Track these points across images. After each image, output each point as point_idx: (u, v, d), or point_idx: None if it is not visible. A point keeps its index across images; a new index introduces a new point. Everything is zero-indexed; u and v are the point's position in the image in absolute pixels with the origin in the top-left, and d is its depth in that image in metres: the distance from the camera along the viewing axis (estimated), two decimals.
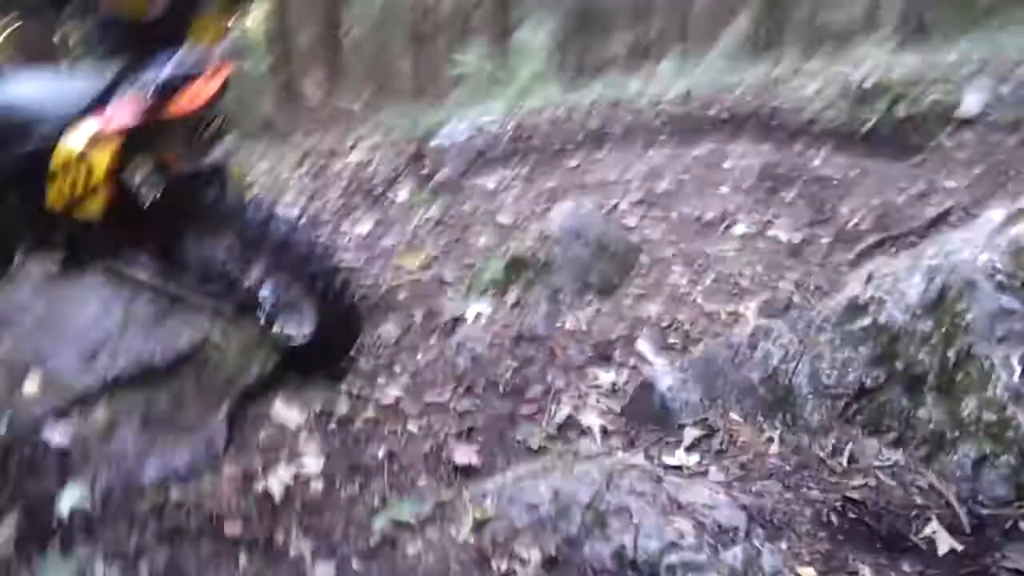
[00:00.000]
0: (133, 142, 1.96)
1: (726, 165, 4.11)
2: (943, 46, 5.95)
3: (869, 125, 4.42)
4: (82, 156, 1.94)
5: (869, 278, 2.28)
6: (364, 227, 4.01)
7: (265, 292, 2.22)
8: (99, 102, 1.99)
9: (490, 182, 4.34)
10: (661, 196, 3.71)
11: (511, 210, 3.83)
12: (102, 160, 1.94)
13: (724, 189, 3.73)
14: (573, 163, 4.51)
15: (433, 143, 5.29)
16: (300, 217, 3.39)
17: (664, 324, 2.56)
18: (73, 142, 1.95)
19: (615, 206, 3.61)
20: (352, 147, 5.53)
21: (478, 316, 2.61)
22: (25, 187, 2.01)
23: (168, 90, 1.93)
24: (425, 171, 4.74)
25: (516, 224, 3.61)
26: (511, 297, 2.66)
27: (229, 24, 2.47)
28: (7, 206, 2.08)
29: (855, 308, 2.00)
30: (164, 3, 2.29)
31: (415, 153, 5.05)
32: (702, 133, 4.86)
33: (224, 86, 2.02)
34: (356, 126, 8.21)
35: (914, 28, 8.46)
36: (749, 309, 2.65)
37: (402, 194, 4.43)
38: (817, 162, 4.01)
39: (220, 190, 2.14)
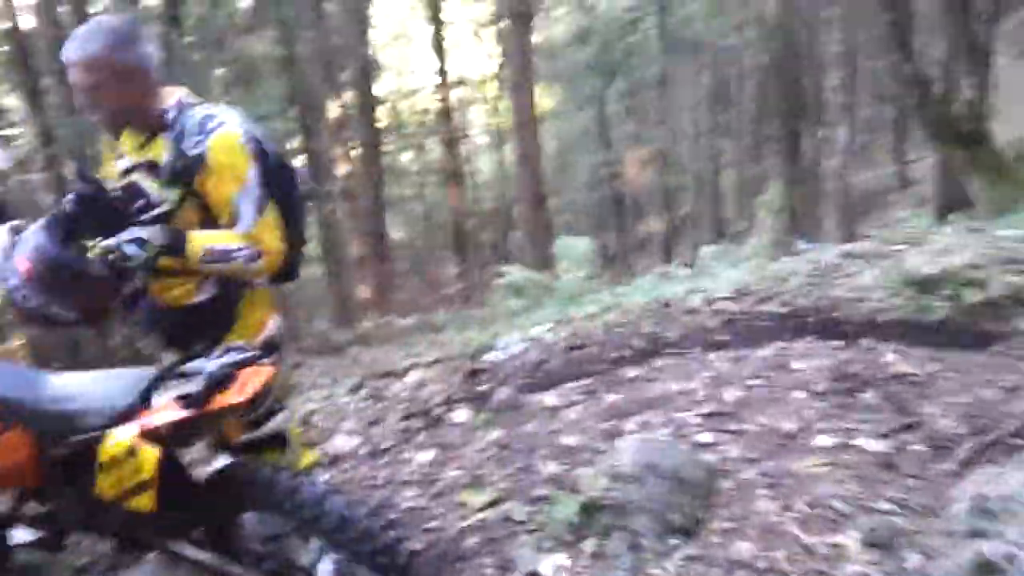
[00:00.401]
0: (182, 434, 1.97)
1: (795, 367, 3.95)
2: (993, 224, 5.89)
3: (938, 314, 4.28)
4: (130, 451, 1.91)
5: (983, 507, 2.07)
6: (425, 455, 3.88)
7: (324, 572, 2.09)
8: (147, 395, 2.01)
9: (550, 398, 4.22)
10: (732, 407, 3.54)
11: (576, 430, 3.68)
12: (151, 456, 1.91)
13: (797, 395, 3.56)
14: (633, 373, 4.39)
15: (487, 357, 5.25)
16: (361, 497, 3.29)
17: (761, 566, 2.32)
18: (121, 436, 1.93)
19: (685, 423, 3.44)
20: (407, 367, 5.50)
21: (556, 569, 2.41)
22: (75, 477, 1.98)
23: (215, 383, 1.94)
24: (482, 388, 4.66)
25: (583, 447, 3.45)
26: (588, 546, 2.46)
27: (272, 315, 2.55)
28: (58, 494, 2.04)
29: (983, 568, 1.77)
30: (211, 290, 2.35)
31: (470, 370, 4.99)
32: (762, 332, 4.75)
33: (273, 378, 2.03)
34: (409, 340, 8.34)
35: (959, 206, 8.48)
36: (852, 539, 2.41)
37: (461, 416, 4.32)
38: (890, 357, 3.84)
39: (275, 465, 2.12)
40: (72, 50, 2.19)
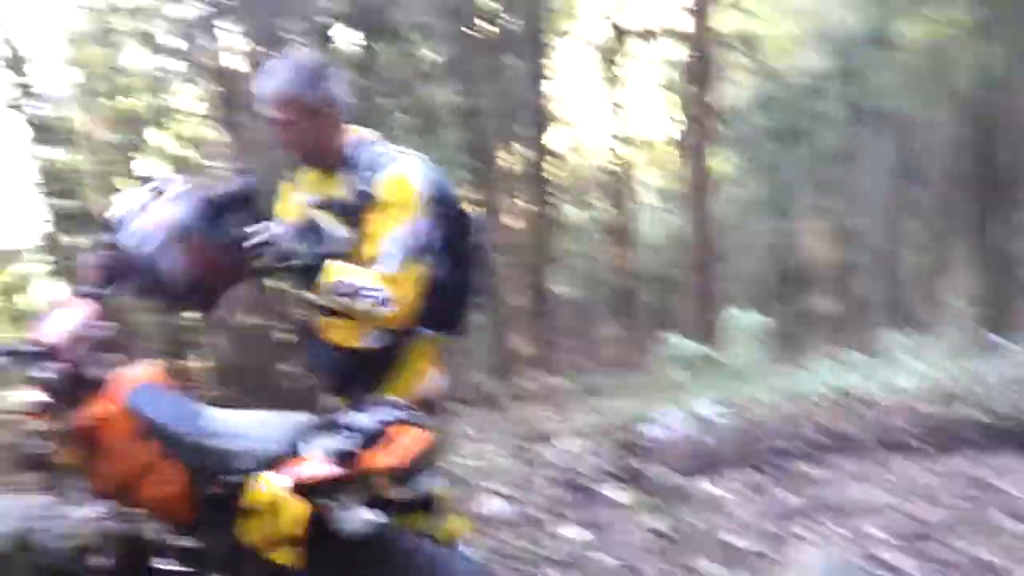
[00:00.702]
0: (330, 490, 1.88)
1: (1000, 486, 3.49)
2: None
3: None
4: (277, 502, 1.84)
5: None
6: (573, 532, 3.68)
7: None
8: (298, 444, 1.95)
9: (713, 487, 3.93)
10: (927, 527, 3.14)
11: (742, 528, 3.38)
12: (299, 511, 1.84)
13: (1007, 523, 3.12)
14: (806, 469, 4.04)
15: (646, 432, 4.99)
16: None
17: None
18: (269, 484, 1.86)
19: (872, 539, 3.07)
20: (561, 431, 5.33)
21: None
22: (222, 517, 1.93)
23: (369, 441, 1.87)
24: (639, 466, 4.42)
25: (750, 550, 3.15)
26: None
27: (436, 369, 2.45)
28: (205, 532, 1.99)
29: None
30: (379, 337, 2.28)
31: (627, 444, 4.76)
32: (957, 438, 4.27)
33: (431, 444, 1.94)
34: (564, 401, 8.17)
35: None
36: None
37: (614, 493, 4.10)
38: None
39: (425, 532, 2.04)
40: (267, 86, 2.23)
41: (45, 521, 2.04)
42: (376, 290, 2.16)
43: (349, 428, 1.92)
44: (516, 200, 16.27)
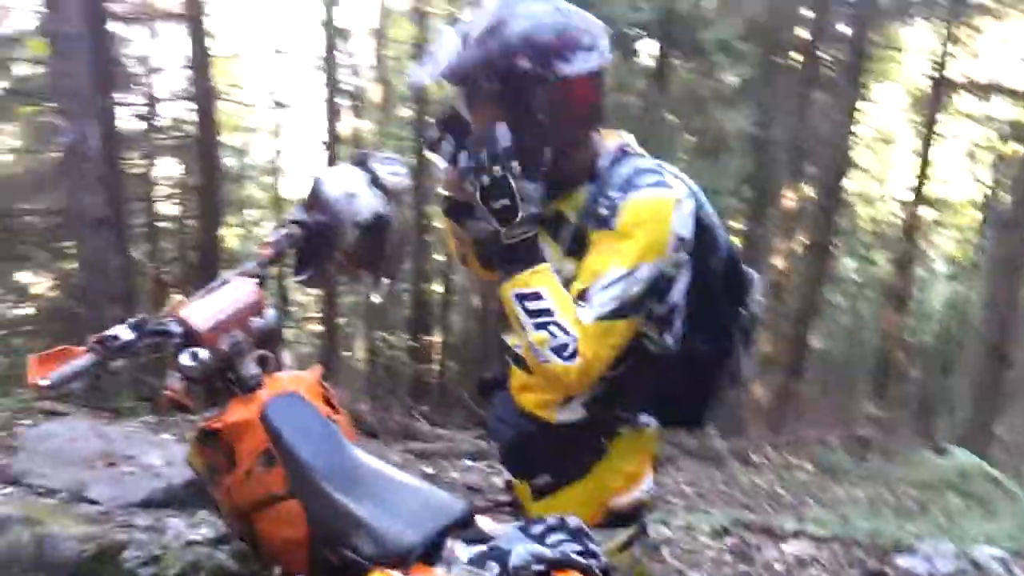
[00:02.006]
0: None
1: None
2: None
3: None
4: None
5: None
6: None
7: None
8: (436, 541, 1.52)
9: None
10: None
11: None
12: None
13: None
14: None
15: (900, 561, 4.18)
16: None
17: None
18: None
19: None
20: (791, 531, 4.61)
21: None
22: None
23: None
24: None
25: None
26: None
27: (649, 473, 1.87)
28: None
29: None
30: (579, 410, 1.75)
31: (876, 572, 3.99)
32: None
33: None
34: (801, 481, 7.30)
35: None
36: None
37: None
38: None
39: None
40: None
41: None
42: (566, 332, 1.56)
43: (498, 555, 1.42)
44: (791, 241, 15.20)
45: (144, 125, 13.53)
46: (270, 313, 1.82)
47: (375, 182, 1.93)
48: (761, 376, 14.03)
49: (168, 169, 15.19)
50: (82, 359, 1.56)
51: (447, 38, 1.62)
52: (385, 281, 2.07)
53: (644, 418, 1.77)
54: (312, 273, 1.96)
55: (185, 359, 1.65)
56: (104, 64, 8.03)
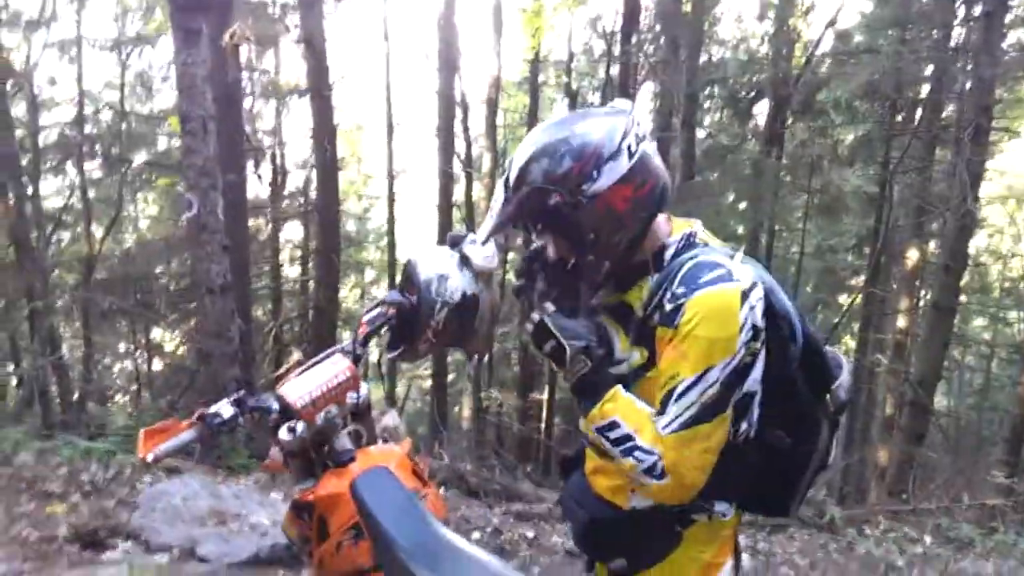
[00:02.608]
0: None
1: None
2: None
3: None
4: None
5: None
6: None
7: None
8: None
9: None
10: None
11: None
12: None
13: None
14: None
15: None
16: None
17: None
18: None
19: None
20: None
21: None
22: None
23: None
24: None
25: None
26: None
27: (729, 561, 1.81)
28: None
29: None
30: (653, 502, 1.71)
31: None
32: None
33: None
34: (924, 570, 6.86)
35: None
36: None
37: None
38: None
39: None
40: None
41: None
42: (648, 452, 1.57)
43: None
44: (915, 300, 14.53)
45: (271, 193, 14.37)
46: (364, 389, 1.92)
47: (466, 263, 2.01)
48: (883, 441, 13.36)
49: (293, 233, 16.03)
50: (185, 434, 1.69)
51: (496, 194, 1.73)
52: (475, 358, 2.15)
53: (721, 507, 1.73)
54: (404, 350, 2.05)
55: (283, 434, 1.76)
56: (233, 140, 8.57)
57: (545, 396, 13.81)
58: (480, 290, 2.00)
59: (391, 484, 1.82)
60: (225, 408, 1.75)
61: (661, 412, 1.58)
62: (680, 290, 1.58)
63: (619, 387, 1.65)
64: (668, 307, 1.59)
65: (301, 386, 1.83)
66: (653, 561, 1.75)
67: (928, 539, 7.21)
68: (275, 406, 1.79)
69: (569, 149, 1.61)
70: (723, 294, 1.55)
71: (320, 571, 1.82)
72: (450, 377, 14.80)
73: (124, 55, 13.43)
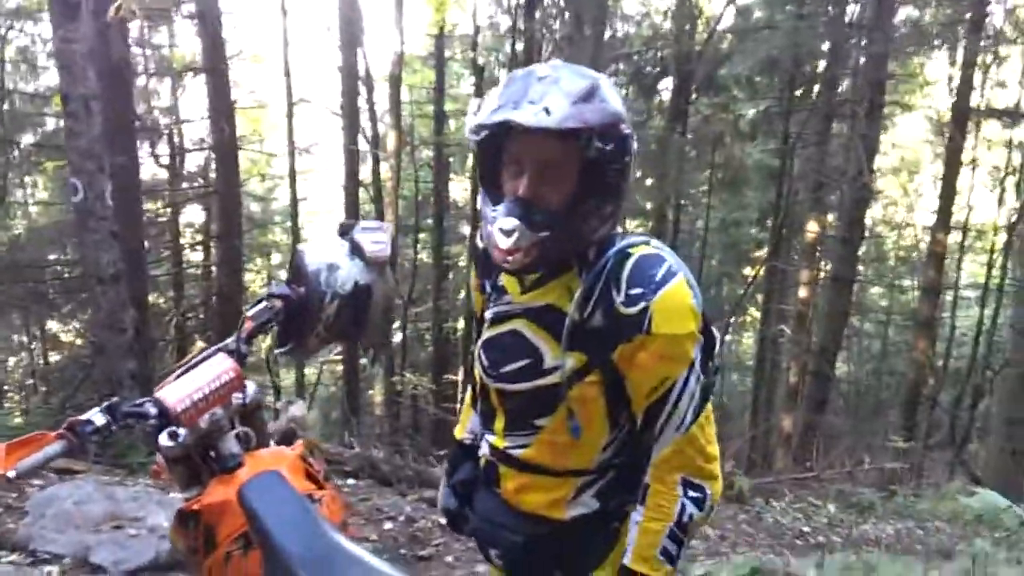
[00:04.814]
0: None
1: None
2: None
3: None
4: None
5: None
6: None
7: None
8: None
9: None
10: None
11: None
12: None
13: None
14: None
15: None
16: None
17: None
18: None
19: None
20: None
21: None
22: None
23: None
24: None
25: None
26: None
27: None
28: None
29: None
30: (591, 503, 1.66)
31: None
32: None
33: None
34: (825, 517, 7.12)
35: None
36: None
37: None
38: None
39: None
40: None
41: None
42: (695, 496, 1.55)
43: None
44: (815, 271, 15.03)
45: (169, 175, 13.82)
46: (251, 389, 1.81)
47: (357, 252, 1.92)
48: (787, 409, 13.82)
49: (195, 216, 15.49)
50: (51, 447, 1.54)
51: (545, 87, 1.44)
52: (371, 351, 2.06)
53: None
54: (294, 345, 1.95)
55: (163, 440, 1.63)
56: (122, 120, 8.16)
57: (460, 377, 13.77)
58: (373, 280, 1.91)
59: (282, 489, 1.69)
60: (97, 416, 1.61)
61: (649, 425, 1.55)
62: (636, 291, 1.47)
63: (623, 562, 1.58)
64: (630, 311, 1.47)
65: (181, 389, 1.71)
66: (593, 566, 1.67)
67: (832, 507, 7.48)
68: (153, 411, 1.66)
69: (612, 97, 1.48)
70: (679, 289, 1.49)
71: None
72: (362, 361, 14.60)
73: (3, 29, 12.63)
